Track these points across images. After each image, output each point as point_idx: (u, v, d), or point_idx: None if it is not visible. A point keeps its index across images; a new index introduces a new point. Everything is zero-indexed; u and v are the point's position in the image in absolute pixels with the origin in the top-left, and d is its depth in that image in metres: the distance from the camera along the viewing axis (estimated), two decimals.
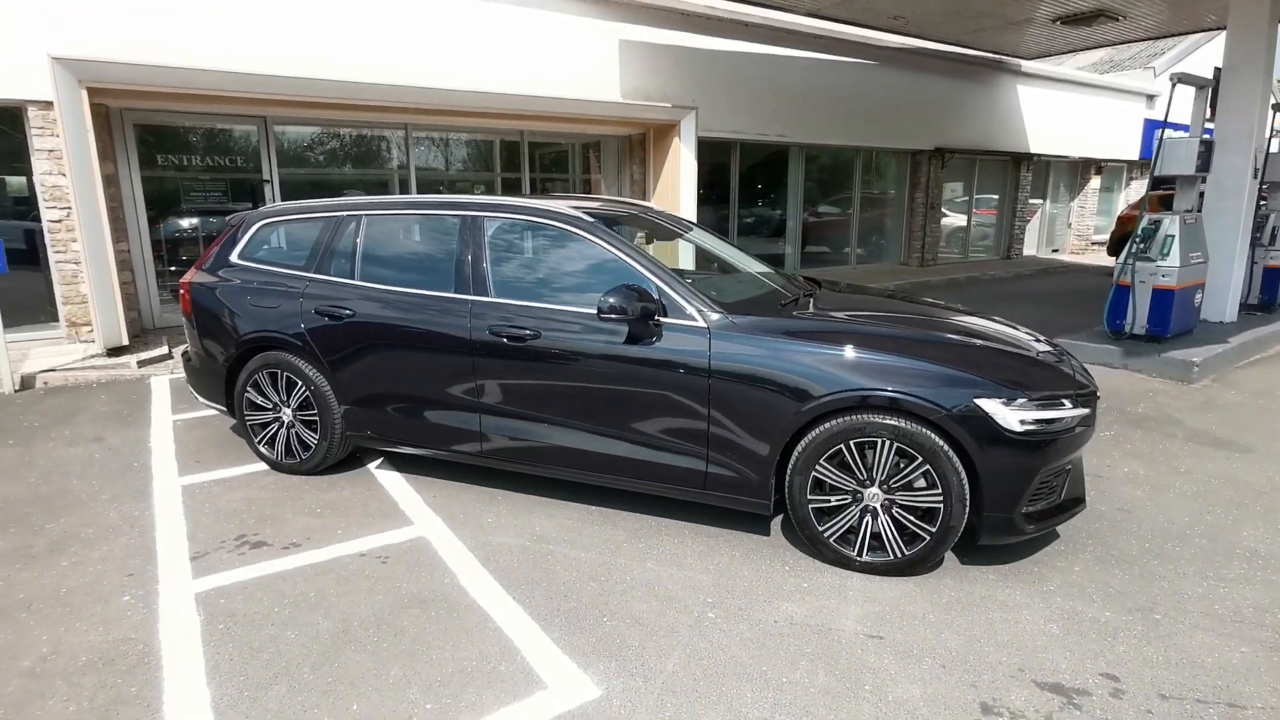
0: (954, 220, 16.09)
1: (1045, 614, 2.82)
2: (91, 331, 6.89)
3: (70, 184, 6.15)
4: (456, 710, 2.28)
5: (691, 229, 4.58)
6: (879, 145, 13.56)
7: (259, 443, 4.18)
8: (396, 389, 3.78)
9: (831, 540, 3.13)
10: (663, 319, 3.26)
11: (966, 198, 16.04)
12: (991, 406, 2.84)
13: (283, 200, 7.98)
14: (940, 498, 2.92)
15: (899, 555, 3.04)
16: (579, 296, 3.46)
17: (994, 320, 3.77)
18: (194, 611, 2.80)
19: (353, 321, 3.80)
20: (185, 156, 7.92)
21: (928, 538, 2.98)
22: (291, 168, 8.57)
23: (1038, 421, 2.88)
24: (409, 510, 3.68)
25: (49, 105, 6.21)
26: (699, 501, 3.38)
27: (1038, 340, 3.54)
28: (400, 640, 2.63)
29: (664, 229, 4.42)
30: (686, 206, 9.75)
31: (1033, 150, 15.97)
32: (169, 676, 2.43)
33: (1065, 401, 2.99)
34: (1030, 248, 17.77)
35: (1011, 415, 2.84)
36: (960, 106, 14.34)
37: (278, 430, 4.12)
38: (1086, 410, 3.07)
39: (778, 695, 2.35)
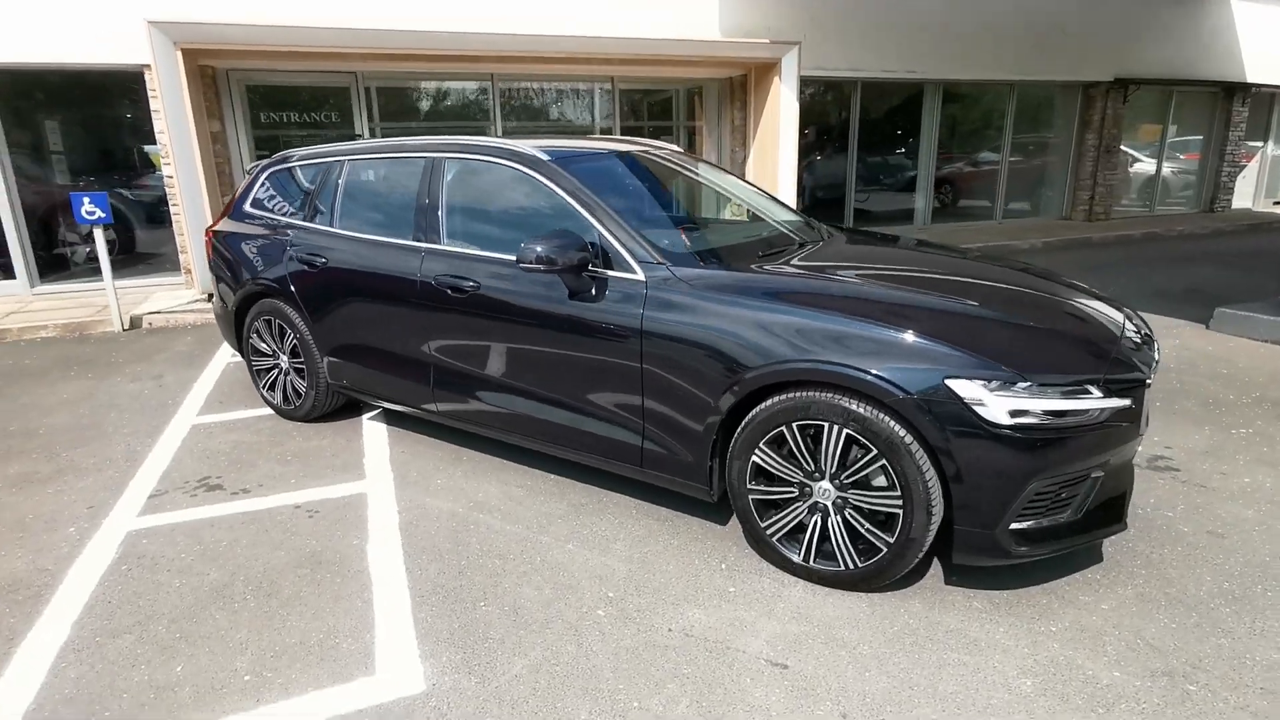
0: (1142, 167, 13.64)
1: (1024, 664, 2.15)
2: None
3: (168, 141, 6.67)
4: (269, 686, 2.11)
5: (699, 171, 4.03)
6: (1039, 78, 11.65)
7: (263, 388, 4.29)
8: (363, 339, 3.66)
9: (774, 539, 2.61)
10: (601, 271, 2.84)
11: (1157, 139, 13.49)
12: (968, 390, 2.17)
13: None
14: (900, 502, 2.31)
15: (849, 566, 2.46)
16: None
17: (1068, 288, 2.95)
18: (114, 550, 2.87)
19: (326, 269, 3.72)
20: (287, 113, 8.38)
21: (884, 549, 2.38)
22: (386, 122, 8.82)
23: (1039, 413, 2.17)
24: (370, 464, 3.59)
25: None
26: (641, 480, 2.97)
27: (1126, 318, 2.73)
28: (269, 602, 2.51)
29: (668, 170, 3.90)
30: (786, 155, 8.92)
31: (1250, 79, 13.03)
32: (48, 613, 2.48)
33: (1090, 388, 2.23)
34: (1243, 199, 14.69)
35: (997, 402, 2.15)
36: (1150, 25, 11.93)
37: (277, 376, 4.19)
38: (1123, 403, 2.27)
39: None
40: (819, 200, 11.48)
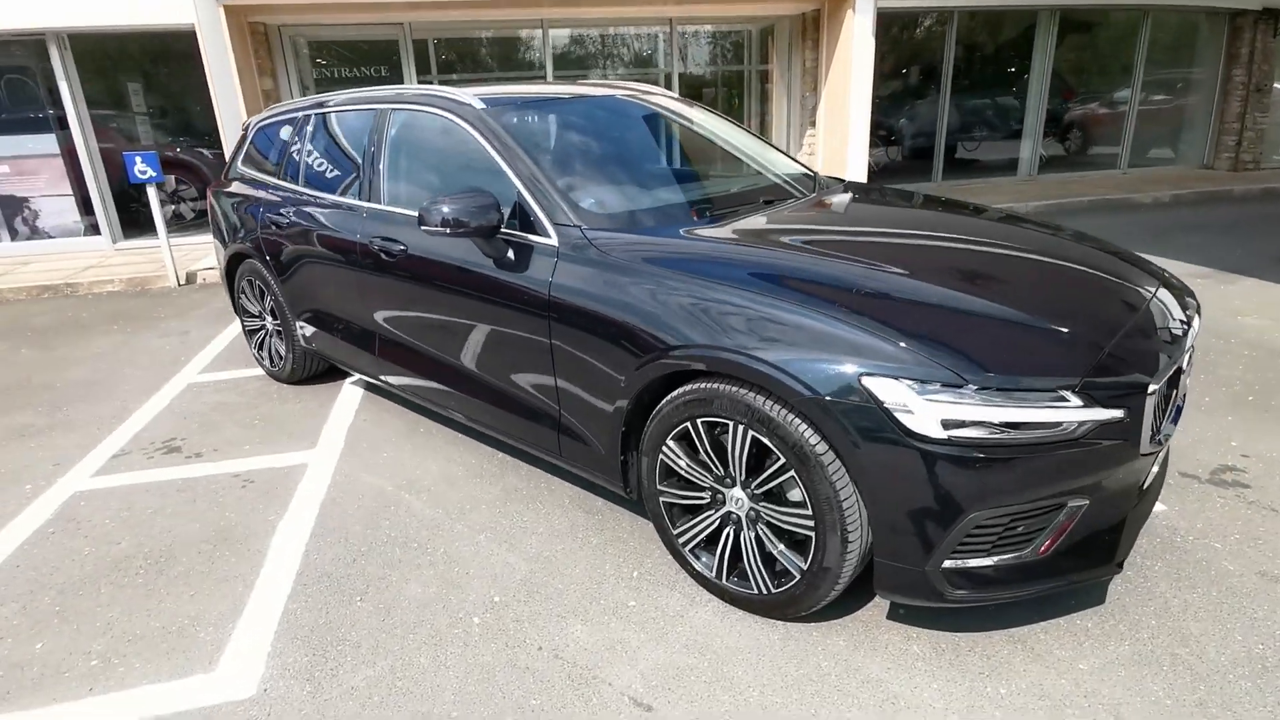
0: None
1: None
2: None
3: (215, 99, 6.81)
4: (109, 675, 2.01)
5: (689, 118, 3.54)
6: (1178, 2, 9.96)
7: (254, 348, 4.29)
8: (323, 304, 3.52)
9: (686, 549, 2.26)
10: (517, 234, 2.51)
11: None
12: (890, 391, 1.70)
13: None
14: (811, 523, 1.89)
15: (761, 590, 2.08)
16: None
17: (1098, 257, 2.38)
18: (51, 511, 2.90)
19: (289, 230, 3.58)
20: (338, 69, 8.41)
21: (797, 576, 1.98)
22: (440, 76, 8.69)
23: (986, 424, 1.68)
24: (328, 433, 3.49)
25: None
26: (566, 469, 2.67)
27: (1166, 303, 2.15)
28: (157, 580, 2.43)
29: (644, 119, 3.45)
30: (858, 99, 8.07)
31: None
32: None
33: (1067, 395, 1.71)
34: None
35: (927, 409, 1.68)
36: None
37: (264, 338, 4.17)
38: (1111, 415, 1.73)
39: None
40: (908, 149, 10.47)
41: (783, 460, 1.89)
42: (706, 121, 3.51)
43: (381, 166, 3.13)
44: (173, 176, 8.61)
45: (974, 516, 1.72)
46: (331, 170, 3.49)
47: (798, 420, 1.83)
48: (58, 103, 7.76)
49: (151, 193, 6.57)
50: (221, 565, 2.49)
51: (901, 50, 9.99)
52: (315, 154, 3.62)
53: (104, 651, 2.11)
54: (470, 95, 2.89)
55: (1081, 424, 1.71)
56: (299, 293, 3.65)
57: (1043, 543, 1.81)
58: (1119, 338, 1.88)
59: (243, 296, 4.19)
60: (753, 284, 1.99)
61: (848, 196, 3.02)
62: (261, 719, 1.85)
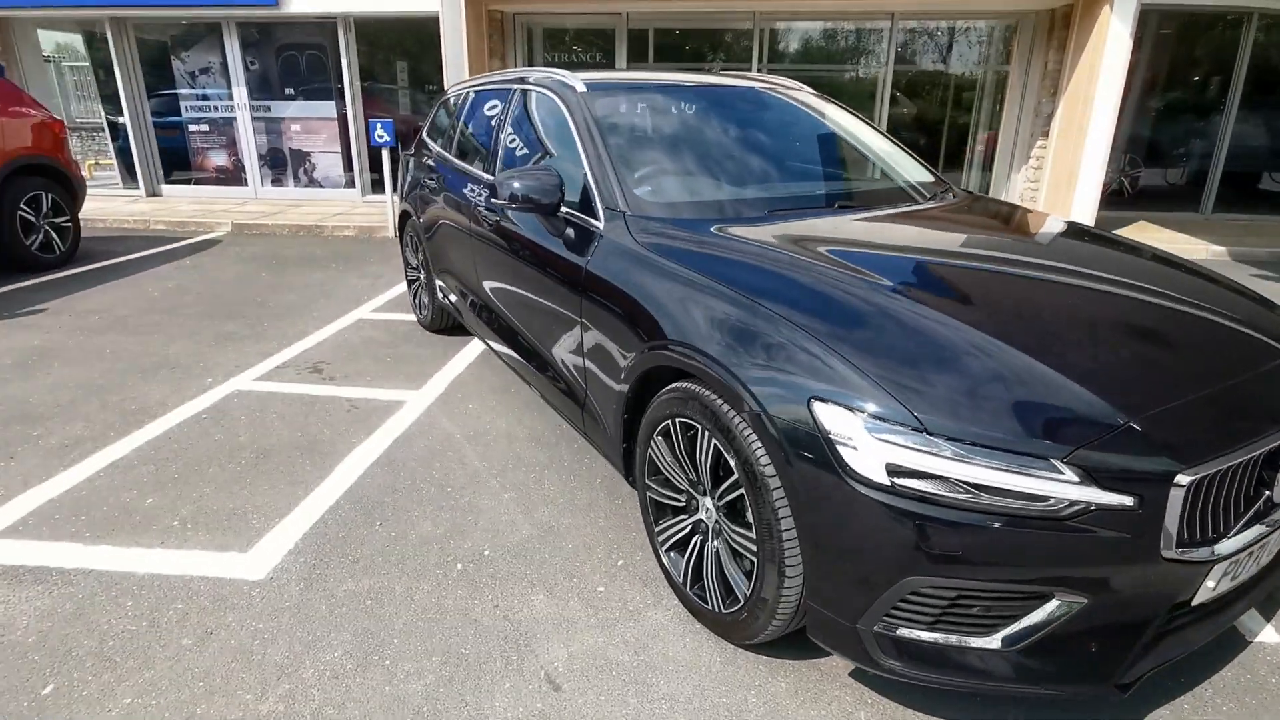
0: None
1: None
2: None
3: (446, 77, 7.69)
4: (180, 535, 2.46)
5: (821, 114, 3.33)
6: None
7: (410, 296, 4.85)
8: (450, 263, 3.90)
9: (662, 547, 2.20)
10: (576, 214, 2.59)
11: None
12: (837, 420, 1.53)
13: None
14: (755, 547, 1.76)
15: (713, 607, 1.98)
16: None
17: (1212, 310, 1.94)
18: (212, 401, 3.56)
19: (433, 193, 4.00)
20: (561, 54, 9.03)
21: (741, 601, 1.86)
22: (644, 63, 9.00)
23: (936, 479, 1.44)
24: (435, 379, 3.87)
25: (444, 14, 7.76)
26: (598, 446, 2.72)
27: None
28: (251, 470, 2.90)
29: (765, 113, 3.31)
30: (1102, 108, 6.97)
31: None
32: (129, 435, 3.20)
33: (1059, 465, 1.40)
34: None
35: (873, 449, 1.48)
36: None
37: (418, 288, 4.70)
38: (1115, 500, 1.39)
39: None
40: (1172, 169, 8.85)
41: (735, 476, 1.78)
42: (829, 119, 3.30)
43: (502, 141, 3.38)
44: None
45: (911, 582, 1.49)
46: (470, 142, 3.83)
47: (753, 436, 1.71)
48: (339, 76, 9.27)
49: (385, 155, 7.64)
50: (299, 471, 2.91)
51: (1174, 55, 8.40)
52: (464, 127, 3.99)
53: (186, 516, 2.58)
54: (579, 78, 3.00)
55: (1073, 504, 1.40)
56: (436, 251, 4.07)
57: (1012, 634, 1.52)
58: (1165, 409, 1.49)
59: (405, 250, 4.76)
60: (744, 288, 1.88)
61: (950, 209, 2.68)
62: (254, 598, 2.16)
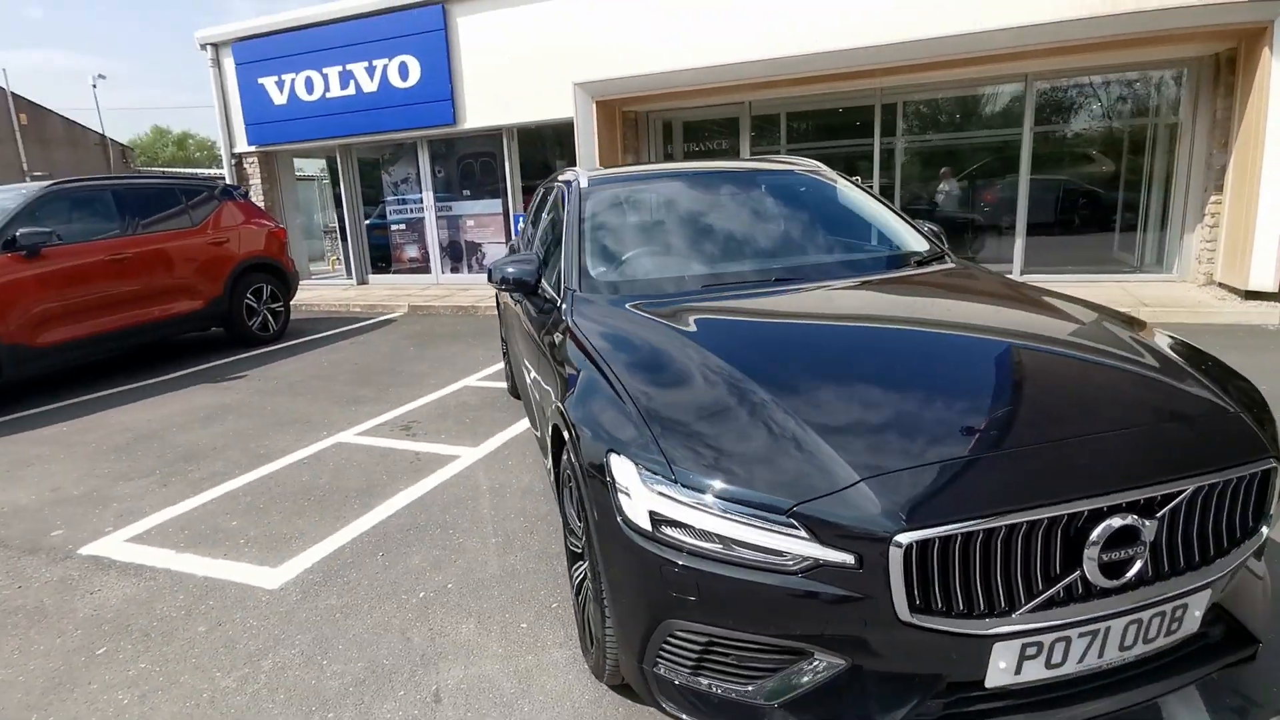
0: None
1: None
2: None
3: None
4: (241, 549, 3.10)
5: (817, 193, 3.47)
6: None
7: (505, 365, 5.50)
8: (507, 332, 4.45)
9: (574, 593, 2.41)
10: (548, 291, 2.98)
11: None
12: (622, 471, 1.71)
13: None
14: (591, 586, 1.94)
15: (584, 644, 2.14)
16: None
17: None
18: (313, 450, 4.34)
19: None
20: (693, 144, 9.69)
21: (591, 640, 2.02)
22: (764, 145, 9.34)
23: (687, 528, 1.57)
24: (497, 436, 4.37)
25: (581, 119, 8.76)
26: None
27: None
28: (315, 505, 3.54)
29: (755, 196, 3.48)
30: (1273, 158, 6.06)
31: None
32: (236, 477, 4.02)
33: (795, 522, 1.48)
34: None
35: (642, 498, 1.65)
36: None
37: (506, 358, 5.34)
38: (838, 557, 1.42)
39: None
40: None
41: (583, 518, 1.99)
42: (822, 197, 3.42)
43: (539, 229, 3.90)
44: None
45: (670, 624, 1.60)
46: (527, 231, 4.42)
47: (585, 485, 1.92)
48: (503, 176, 10.71)
49: None
50: (347, 508, 3.50)
51: None
52: (531, 216, 4.60)
53: (252, 537, 3.24)
54: (585, 174, 3.46)
55: (803, 559, 1.47)
56: (504, 325, 4.66)
57: (773, 688, 1.56)
58: (905, 470, 1.49)
59: (501, 325, 5.45)
60: (601, 354, 2.13)
61: (891, 281, 2.71)
62: (261, 603, 2.69)
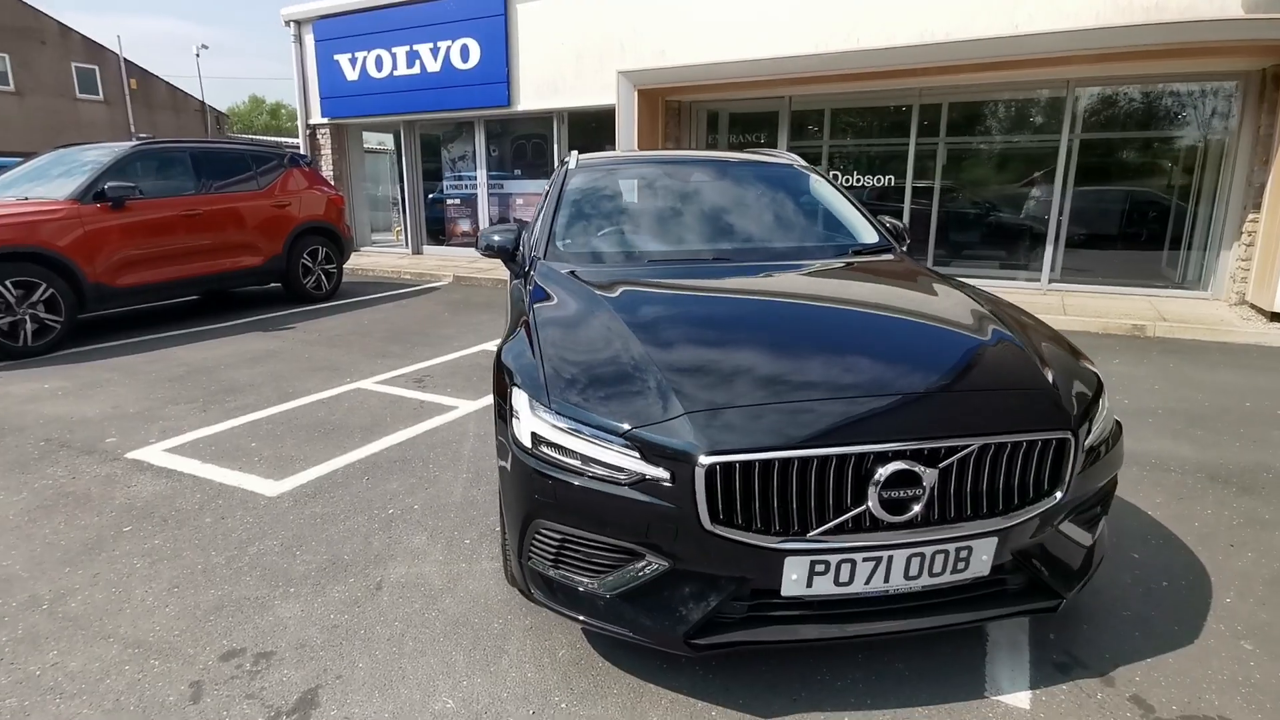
0: None
1: None
2: None
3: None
4: (265, 465, 3.62)
5: (783, 181, 3.74)
6: None
7: None
8: None
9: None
10: (525, 258, 3.36)
11: None
12: (518, 400, 2.07)
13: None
14: None
15: (507, 559, 2.52)
16: None
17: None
18: (337, 392, 4.87)
19: None
20: (731, 135, 9.88)
21: (503, 552, 2.40)
22: (799, 140, 9.46)
23: (554, 446, 1.93)
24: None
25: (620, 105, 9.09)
26: None
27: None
28: (327, 435, 4.05)
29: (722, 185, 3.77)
30: None
31: None
32: (263, 409, 4.57)
33: (631, 449, 1.81)
34: None
35: (528, 421, 2.00)
36: None
37: None
38: (656, 473, 1.76)
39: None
40: None
41: None
42: (789, 187, 3.68)
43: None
44: None
45: (537, 523, 1.96)
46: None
47: (498, 410, 2.28)
48: (553, 157, 11.15)
49: None
50: (350, 440, 3.98)
51: None
52: None
53: (266, 456, 3.76)
54: (578, 157, 3.82)
55: (633, 475, 1.80)
56: None
57: (612, 581, 1.90)
58: (726, 407, 1.81)
59: None
60: (537, 309, 2.50)
61: (820, 270, 2.99)
62: (259, 505, 3.18)
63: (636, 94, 8.79)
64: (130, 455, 3.78)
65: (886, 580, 1.82)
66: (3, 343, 5.74)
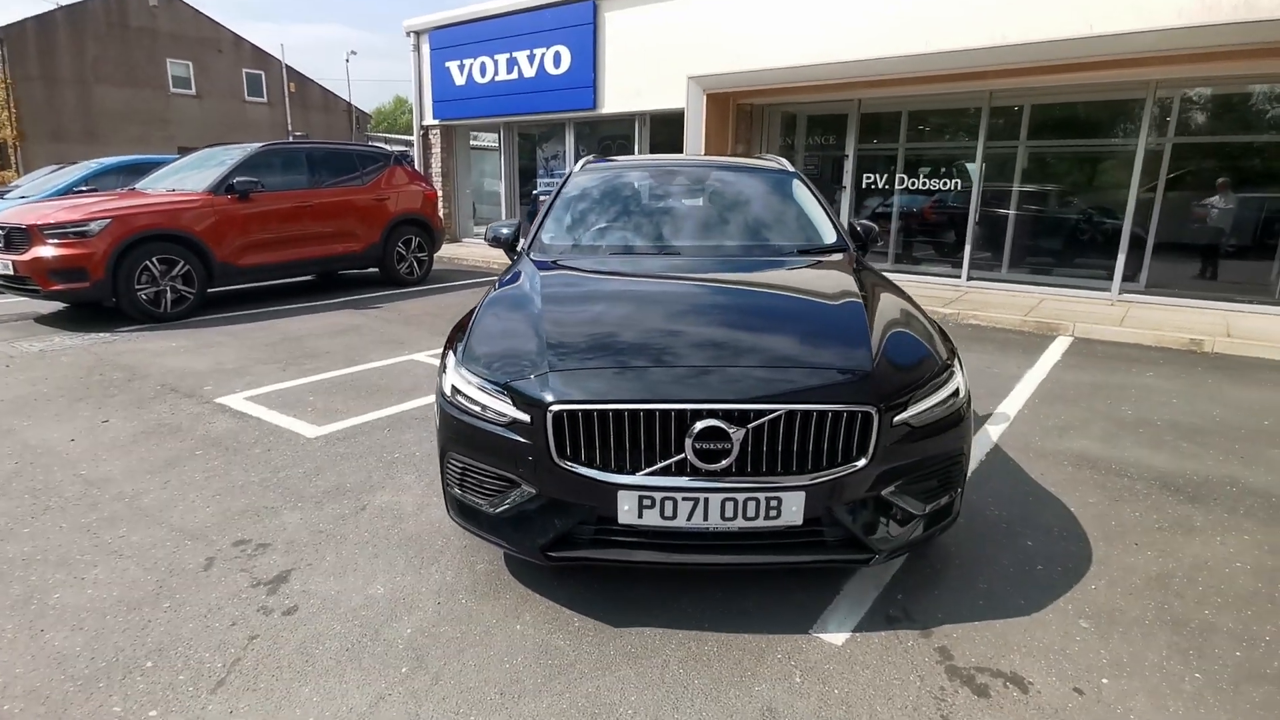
0: None
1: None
2: None
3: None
4: (309, 413, 4.41)
5: (762, 185, 4.08)
6: None
7: None
8: None
9: None
10: (520, 250, 3.91)
11: None
12: (449, 360, 2.63)
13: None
14: None
15: None
16: None
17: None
18: (393, 362, 5.65)
19: None
20: (802, 137, 10.03)
21: None
22: (867, 143, 9.45)
23: (462, 394, 2.46)
24: None
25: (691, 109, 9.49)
26: None
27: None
28: (357, 394, 4.80)
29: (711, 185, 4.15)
30: None
31: None
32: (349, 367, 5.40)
33: (505, 397, 2.32)
34: None
35: (450, 376, 2.55)
36: None
37: None
38: (519, 416, 2.24)
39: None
40: None
41: None
42: (765, 191, 4.02)
43: None
44: None
45: (450, 454, 2.50)
46: None
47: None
48: None
49: None
50: (388, 399, 4.70)
51: None
52: None
53: (319, 408, 4.54)
54: (588, 158, 4.34)
55: (507, 418, 2.30)
56: None
57: (500, 503, 2.40)
58: (580, 368, 2.28)
59: None
60: (493, 293, 3.04)
61: (757, 262, 3.37)
62: (299, 442, 3.93)
63: (705, 98, 9.17)
64: (218, 400, 4.68)
65: (705, 519, 2.21)
66: (149, 308, 7.02)
